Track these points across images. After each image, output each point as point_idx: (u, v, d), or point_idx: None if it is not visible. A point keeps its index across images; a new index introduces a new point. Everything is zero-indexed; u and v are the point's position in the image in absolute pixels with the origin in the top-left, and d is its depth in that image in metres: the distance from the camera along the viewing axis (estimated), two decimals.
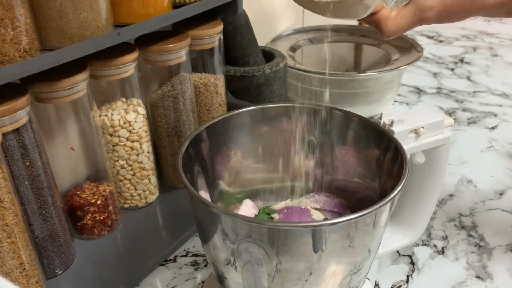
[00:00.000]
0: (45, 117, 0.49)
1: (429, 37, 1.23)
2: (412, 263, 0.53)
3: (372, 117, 0.62)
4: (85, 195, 0.53)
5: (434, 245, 0.56)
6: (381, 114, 0.41)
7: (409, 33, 1.25)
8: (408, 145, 0.41)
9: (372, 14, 0.48)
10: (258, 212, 0.46)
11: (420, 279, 0.51)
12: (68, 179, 0.54)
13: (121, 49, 0.50)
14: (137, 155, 0.56)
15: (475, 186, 0.66)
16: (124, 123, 0.54)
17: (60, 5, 0.40)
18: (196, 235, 0.57)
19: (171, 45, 0.53)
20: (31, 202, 0.45)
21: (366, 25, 0.67)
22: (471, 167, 0.70)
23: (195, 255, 0.55)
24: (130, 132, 0.54)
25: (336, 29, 0.99)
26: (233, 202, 0.47)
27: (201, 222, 0.37)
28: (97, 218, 0.54)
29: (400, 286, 0.50)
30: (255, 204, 0.45)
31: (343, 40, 0.97)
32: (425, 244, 0.56)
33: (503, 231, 0.58)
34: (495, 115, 0.85)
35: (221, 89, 0.64)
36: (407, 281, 0.51)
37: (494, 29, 1.28)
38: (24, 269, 0.41)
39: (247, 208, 0.44)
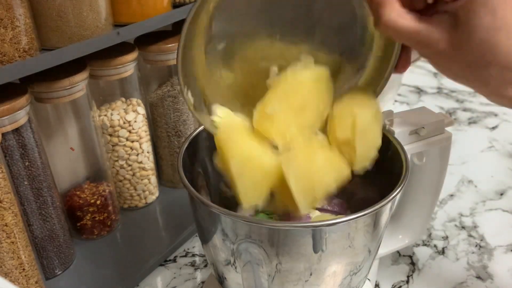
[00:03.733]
0: (44, 117, 0.49)
1: None
2: (413, 263, 0.53)
3: None
4: (85, 195, 0.53)
5: (435, 245, 0.55)
6: None
7: None
8: (408, 145, 0.41)
9: None
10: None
11: (421, 279, 0.51)
12: (67, 179, 0.54)
13: (121, 49, 0.50)
14: (137, 155, 0.56)
15: (476, 186, 0.66)
16: (124, 123, 0.54)
17: (59, 4, 0.40)
18: (196, 235, 0.57)
19: (170, 45, 0.53)
20: (31, 202, 0.45)
21: None
22: (471, 167, 0.70)
23: (195, 255, 0.55)
24: (129, 132, 0.54)
25: None
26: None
27: (201, 222, 0.37)
28: (97, 218, 0.54)
29: (401, 286, 0.50)
30: None
31: None
32: (425, 244, 0.56)
33: (504, 231, 0.57)
34: (496, 115, 0.85)
35: None
36: (407, 282, 0.51)
37: None
38: (24, 269, 0.41)
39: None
